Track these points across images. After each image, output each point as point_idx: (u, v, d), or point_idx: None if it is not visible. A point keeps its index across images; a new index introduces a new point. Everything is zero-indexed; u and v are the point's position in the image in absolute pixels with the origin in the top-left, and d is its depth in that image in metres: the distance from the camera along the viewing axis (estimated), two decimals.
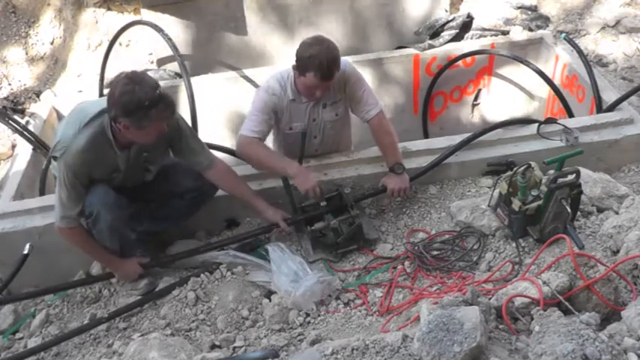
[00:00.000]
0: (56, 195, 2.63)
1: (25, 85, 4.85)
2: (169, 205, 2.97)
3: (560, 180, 2.42)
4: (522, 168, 2.55)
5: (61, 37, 5.00)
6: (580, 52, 4.03)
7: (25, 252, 2.90)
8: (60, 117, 4.38)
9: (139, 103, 2.35)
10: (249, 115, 2.99)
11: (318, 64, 2.74)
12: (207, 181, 2.91)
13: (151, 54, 4.87)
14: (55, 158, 2.58)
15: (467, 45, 4.65)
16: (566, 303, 1.89)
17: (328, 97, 3.00)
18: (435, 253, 2.77)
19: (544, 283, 1.95)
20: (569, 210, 2.41)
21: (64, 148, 2.51)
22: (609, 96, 3.61)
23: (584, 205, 2.71)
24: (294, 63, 2.86)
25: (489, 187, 3.09)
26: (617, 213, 2.64)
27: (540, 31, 4.70)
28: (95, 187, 2.64)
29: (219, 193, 3.09)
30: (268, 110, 2.94)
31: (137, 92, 2.35)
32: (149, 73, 4.59)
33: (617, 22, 4.66)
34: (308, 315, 2.57)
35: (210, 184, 2.94)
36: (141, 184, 2.90)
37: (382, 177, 3.11)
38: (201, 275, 2.80)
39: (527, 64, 4.23)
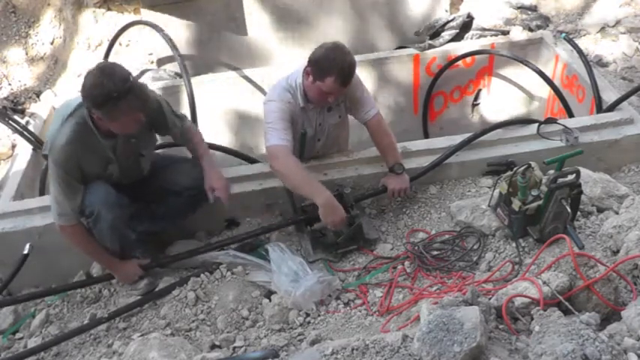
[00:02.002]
0: (51, 193, 2.63)
1: (25, 85, 4.86)
2: (168, 204, 2.98)
3: (560, 180, 2.42)
4: (522, 168, 2.55)
5: (61, 37, 5.01)
6: (580, 52, 4.03)
7: (25, 252, 2.90)
8: None
9: (107, 95, 2.34)
10: (271, 126, 2.84)
11: (340, 69, 2.70)
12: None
13: (151, 54, 4.87)
14: (46, 157, 2.58)
15: (467, 45, 4.65)
16: (566, 303, 1.89)
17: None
18: (435, 253, 2.77)
19: (544, 283, 1.95)
20: (569, 210, 2.41)
21: (50, 144, 2.52)
22: (609, 96, 3.61)
23: (584, 205, 2.71)
24: (307, 68, 2.80)
25: (489, 187, 3.09)
26: (617, 213, 2.64)
27: (540, 31, 4.70)
28: (96, 187, 2.64)
29: None
30: (288, 118, 2.86)
31: (106, 85, 2.33)
32: (149, 73, 4.61)
33: (617, 22, 4.66)
34: (308, 315, 2.57)
35: None
36: (140, 182, 2.90)
37: (382, 177, 3.11)
38: (201, 275, 2.81)
39: (527, 64, 4.23)
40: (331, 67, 2.70)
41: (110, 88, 2.33)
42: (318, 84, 2.76)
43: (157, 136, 3.01)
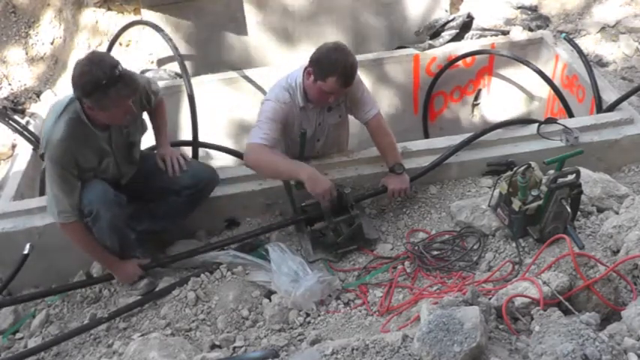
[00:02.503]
0: (49, 191, 2.63)
1: (25, 85, 4.86)
2: (167, 203, 2.98)
3: (560, 180, 2.42)
4: (522, 168, 2.55)
5: (61, 37, 5.01)
6: (580, 52, 4.03)
7: (25, 252, 2.90)
8: None
9: (96, 83, 2.34)
10: (258, 124, 2.86)
11: (342, 70, 2.71)
12: (204, 178, 2.96)
13: (151, 54, 4.87)
14: (42, 156, 2.58)
15: (467, 45, 4.65)
16: (566, 303, 1.89)
17: None
18: (435, 253, 2.77)
19: (544, 283, 1.95)
20: (569, 210, 2.41)
21: (45, 141, 2.52)
22: (609, 96, 3.61)
23: (584, 205, 2.71)
24: (308, 68, 2.80)
25: (489, 187, 3.09)
26: (617, 213, 2.64)
27: (540, 31, 4.70)
28: (94, 186, 2.64)
29: (219, 192, 3.10)
30: (279, 119, 2.86)
31: (94, 72, 2.34)
32: (149, 73, 4.60)
33: (617, 22, 4.66)
34: (308, 315, 2.57)
35: (207, 182, 2.98)
36: (138, 182, 2.90)
37: (382, 177, 3.11)
38: (202, 275, 2.80)
39: (527, 64, 4.23)
40: (333, 67, 2.70)
41: (99, 75, 2.34)
42: (320, 84, 2.76)
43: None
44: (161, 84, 4.44)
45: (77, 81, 2.39)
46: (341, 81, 2.73)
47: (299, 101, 2.91)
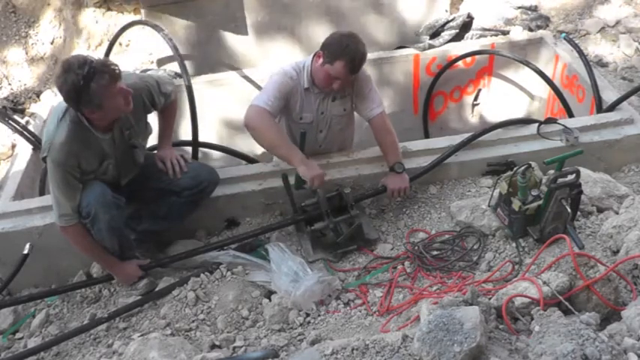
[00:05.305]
0: (51, 194, 2.63)
1: (25, 85, 4.86)
2: (167, 204, 2.98)
3: (560, 180, 2.42)
4: (522, 168, 2.55)
5: (61, 37, 5.01)
6: (580, 52, 4.03)
7: (25, 252, 2.90)
8: None
9: (75, 87, 2.34)
10: (263, 90, 2.95)
11: (352, 55, 2.79)
12: (204, 179, 2.96)
13: (151, 54, 4.87)
14: (44, 159, 2.58)
15: (467, 45, 4.65)
16: (566, 303, 1.89)
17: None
18: (435, 253, 2.77)
19: (544, 283, 1.95)
20: (569, 210, 2.41)
21: (48, 144, 2.52)
22: (609, 96, 3.61)
23: (584, 205, 2.71)
24: (318, 51, 2.87)
25: (489, 187, 3.09)
26: (617, 213, 2.64)
27: (540, 31, 4.70)
28: (92, 187, 2.64)
29: (219, 192, 3.10)
30: (283, 91, 2.92)
31: (68, 79, 2.34)
32: (149, 73, 4.60)
33: (617, 22, 4.66)
34: (308, 315, 2.57)
35: (208, 182, 2.98)
36: (139, 183, 2.90)
37: (382, 177, 3.11)
38: (201, 275, 2.80)
39: (527, 64, 4.23)
40: (343, 51, 2.77)
41: (73, 79, 2.34)
42: (327, 67, 2.82)
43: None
44: None
45: (63, 95, 2.41)
46: (349, 67, 2.79)
47: (304, 81, 2.97)
